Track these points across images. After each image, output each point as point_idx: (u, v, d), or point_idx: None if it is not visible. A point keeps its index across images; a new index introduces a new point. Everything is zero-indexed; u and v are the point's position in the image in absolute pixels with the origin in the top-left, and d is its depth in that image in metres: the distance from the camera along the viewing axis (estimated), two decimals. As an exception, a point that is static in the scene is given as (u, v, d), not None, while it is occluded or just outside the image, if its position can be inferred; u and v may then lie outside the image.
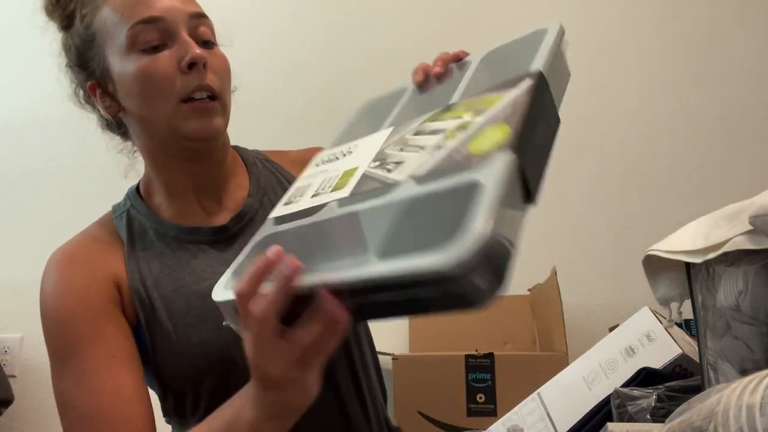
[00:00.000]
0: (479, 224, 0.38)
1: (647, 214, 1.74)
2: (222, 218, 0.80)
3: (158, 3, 0.70)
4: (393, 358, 1.30)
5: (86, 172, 1.77)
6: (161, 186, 0.80)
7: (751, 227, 0.55)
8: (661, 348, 0.79)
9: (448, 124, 0.54)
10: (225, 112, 0.74)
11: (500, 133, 0.46)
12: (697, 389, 0.68)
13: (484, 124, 0.49)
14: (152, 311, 0.72)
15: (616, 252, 1.72)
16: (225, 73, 0.74)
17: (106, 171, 1.76)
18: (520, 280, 1.66)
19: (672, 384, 0.72)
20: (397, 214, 0.47)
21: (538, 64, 0.55)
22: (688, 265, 0.68)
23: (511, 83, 0.54)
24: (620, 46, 1.83)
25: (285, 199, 0.63)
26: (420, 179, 0.48)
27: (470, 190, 0.42)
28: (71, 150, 1.79)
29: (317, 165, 0.66)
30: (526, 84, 0.52)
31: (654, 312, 0.84)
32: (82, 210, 1.74)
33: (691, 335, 0.92)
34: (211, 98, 0.71)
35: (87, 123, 1.91)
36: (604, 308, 1.69)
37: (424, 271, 0.38)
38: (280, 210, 0.61)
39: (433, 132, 0.54)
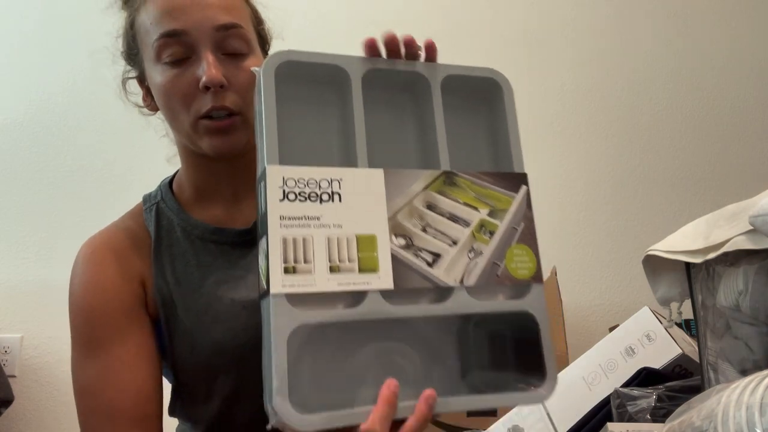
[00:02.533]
0: (554, 375, 0.56)
1: (647, 214, 1.74)
2: (246, 221, 0.79)
3: (184, 15, 0.68)
4: (393, 358, 1.30)
5: (85, 172, 1.77)
6: (191, 183, 0.81)
7: (751, 227, 0.55)
8: (661, 348, 0.79)
9: (466, 213, 0.58)
10: (247, 125, 0.72)
11: (529, 261, 0.58)
12: (697, 389, 0.68)
13: (509, 239, 0.58)
14: (173, 309, 0.73)
15: (616, 252, 1.72)
16: (249, 87, 0.67)
17: (105, 171, 1.77)
18: (520, 280, 1.66)
19: (672, 384, 0.72)
20: (461, 331, 0.58)
21: (519, 165, 0.62)
22: (688, 265, 0.68)
23: (509, 182, 0.60)
24: (619, 46, 1.83)
25: (276, 256, 0.50)
26: (472, 291, 0.55)
27: (530, 324, 0.56)
28: (70, 150, 1.79)
29: (289, 196, 0.52)
30: (523, 193, 0.61)
31: (654, 312, 0.84)
32: (82, 210, 1.74)
33: (691, 335, 0.92)
34: (230, 115, 0.70)
35: (86, 123, 1.92)
36: (604, 308, 1.69)
37: (522, 404, 0.60)
38: (284, 280, 0.50)
39: (453, 218, 0.57)
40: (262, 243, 0.52)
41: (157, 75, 0.71)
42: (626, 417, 0.70)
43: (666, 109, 1.80)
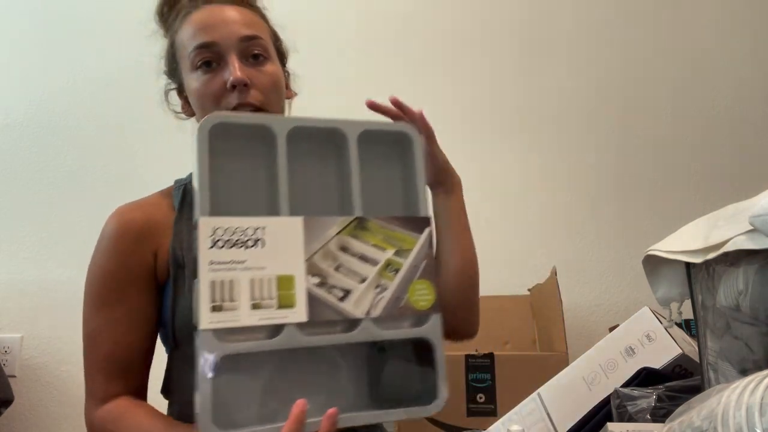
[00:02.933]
0: (444, 392, 0.67)
1: (647, 214, 1.74)
2: None
3: (214, 30, 0.82)
4: (393, 358, 1.30)
5: (85, 172, 1.77)
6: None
7: (751, 227, 0.55)
8: (661, 348, 0.79)
9: (374, 253, 0.66)
10: None
11: (429, 293, 0.67)
12: (697, 389, 0.68)
13: (411, 275, 0.67)
14: (181, 270, 0.82)
15: (616, 252, 1.72)
16: (270, 87, 0.84)
17: (104, 171, 1.77)
18: (520, 280, 1.66)
19: (672, 384, 0.72)
20: (368, 356, 0.67)
21: (424, 210, 0.70)
22: (688, 265, 0.68)
23: (414, 225, 0.69)
24: (619, 46, 1.83)
25: (205, 296, 0.58)
26: (378, 321, 0.64)
27: (427, 349, 0.66)
28: (70, 150, 1.79)
29: (218, 244, 0.60)
30: (426, 234, 0.69)
31: (654, 312, 0.84)
32: (82, 210, 1.74)
33: (691, 335, 0.92)
34: (254, 110, 0.82)
35: (86, 123, 1.92)
36: (604, 308, 1.69)
37: (414, 417, 0.66)
38: (211, 318, 0.58)
39: (363, 258, 0.66)
40: (195, 284, 0.59)
41: (193, 81, 0.84)
42: (626, 417, 0.70)
43: (666, 109, 1.80)
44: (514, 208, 1.74)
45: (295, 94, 0.96)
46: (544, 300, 1.44)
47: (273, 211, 0.64)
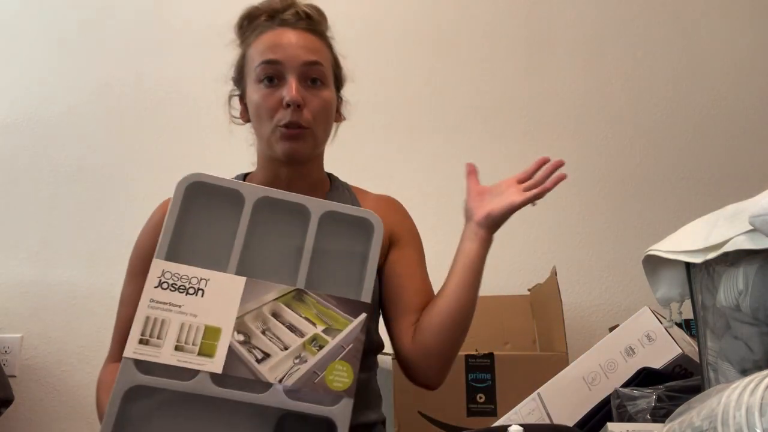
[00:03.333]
0: None
1: (647, 214, 1.74)
2: None
3: (281, 50, 0.91)
4: (393, 358, 1.30)
5: (85, 172, 1.77)
6: (258, 179, 1.00)
7: (751, 227, 0.55)
8: (661, 348, 0.79)
9: (303, 325, 0.69)
10: (315, 139, 0.94)
11: (347, 377, 0.68)
12: (697, 389, 0.68)
13: (334, 355, 0.68)
14: None
15: (616, 252, 1.72)
16: (321, 110, 0.92)
17: (105, 172, 1.77)
18: (520, 280, 1.66)
19: (672, 384, 0.72)
20: (277, 424, 0.67)
21: (366, 296, 0.72)
22: (688, 265, 0.68)
23: (351, 308, 0.71)
24: (619, 47, 1.83)
25: (137, 328, 0.64)
26: (289, 392, 0.66)
27: (330, 428, 0.66)
28: (71, 150, 1.79)
29: (163, 285, 0.66)
30: (360, 319, 0.70)
31: (654, 312, 0.84)
32: (81, 210, 1.75)
33: (691, 335, 0.92)
34: (302, 128, 0.90)
35: (86, 123, 1.92)
36: (604, 308, 1.69)
37: None
38: (135, 348, 0.63)
39: (291, 328, 0.69)
40: (135, 314, 0.65)
41: (255, 93, 0.93)
42: (626, 417, 0.70)
43: (666, 109, 1.80)
44: (514, 208, 1.74)
45: (344, 118, 1.04)
46: (544, 300, 1.44)
47: (223, 266, 0.69)
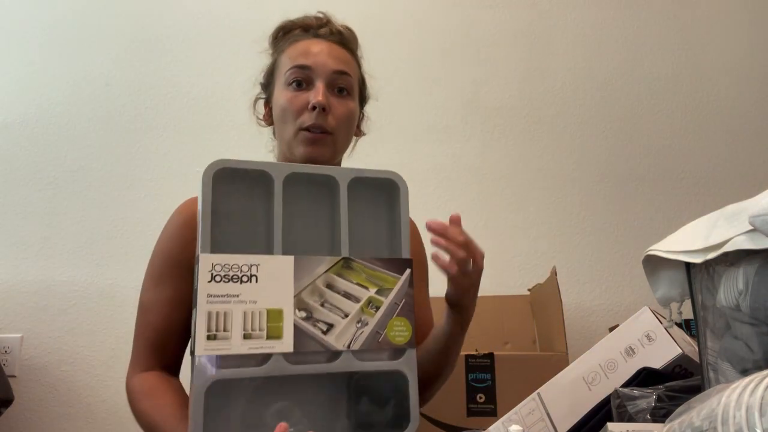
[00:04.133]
0: (416, 417, 0.73)
1: (647, 214, 1.74)
2: None
3: (313, 57, 0.94)
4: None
5: (86, 172, 1.77)
6: None
7: (751, 227, 0.55)
8: (661, 348, 0.79)
9: (357, 291, 0.72)
10: (335, 145, 0.95)
11: (406, 330, 0.73)
12: (697, 389, 0.68)
13: (391, 312, 0.73)
14: None
15: (616, 252, 1.72)
16: (344, 118, 0.95)
17: (105, 171, 1.77)
18: (520, 280, 1.66)
19: (672, 384, 0.72)
20: (348, 386, 0.72)
21: (406, 253, 0.76)
22: (688, 265, 0.68)
23: (396, 266, 0.75)
24: (619, 46, 1.83)
25: (202, 325, 0.64)
26: (358, 354, 0.70)
27: (400, 380, 0.72)
28: (71, 150, 1.79)
29: (216, 278, 0.66)
30: (406, 275, 0.75)
31: (654, 312, 0.83)
32: (82, 210, 1.75)
33: (691, 335, 0.92)
34: (324, 133, 0.92)
35: (87, 124, 1.92)
36: (604, 308, 1.69)
37: None
38: (206, 345, 0.64)
39: (347, 295, 0.72)
40: (194, 313, 0.65)
41: (281, 95, 0.95)
42: (626, 417, 0.70)
43: (666, 109, 1.80)
44: (514, 208, 1.74)
45: (364, 133, 1.07)
46: (544, 300, 1.44)
47: (268, 249, 0.70)
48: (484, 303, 1.00)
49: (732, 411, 0.41)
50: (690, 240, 0.64)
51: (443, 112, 1.81)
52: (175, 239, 0.93)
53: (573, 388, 0.82)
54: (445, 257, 0.79)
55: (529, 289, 1.58)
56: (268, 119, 1.02)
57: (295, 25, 1.01)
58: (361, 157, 1.76)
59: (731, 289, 0.58)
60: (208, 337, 0.64)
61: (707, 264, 0.63)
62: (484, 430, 0.86)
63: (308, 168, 0.75)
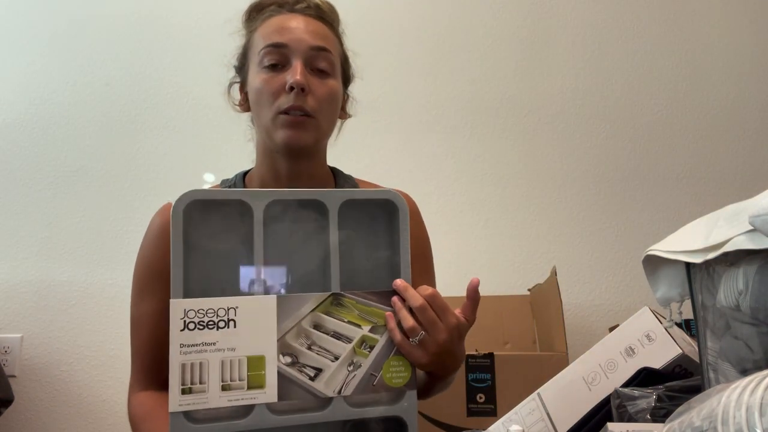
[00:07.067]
0: None
1: (647, 214, 1.74)
2: None
3: (289, 34, 0.86)
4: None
5: (85, 172, 1.77)
6: (259, 176, 0.94)
7: (751, 227, 0.54)
8: (661, 348, 0.79)
9: (348, 330, 0.65)
10: (318, 129, 0.87)
11: (405, 370, 0.66)
12: (697, 389, 0.68)
13: (387, 352, 0.66)
14: None
15: (616, 252, 1.72)
16: (326, 99, 0.86)
17: (105, 171, 1.77)
18: (520, 280, 1.66)
19: (672, 384, 0.72)
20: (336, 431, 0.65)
21: (406, 281, 0.68)
22: (688, 265, 0.68)
23: (389, 298, 0.67)
24: (619, 46, 1.83)
25: (175, 379, 0.59)
26: (350, 401, 0.64)
27: (402, 428, 0.65)
28: (70, 150, 1.79)
29: (189, 326, 0.60)
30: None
31: (654, 312, 0.83)
32: (82, 210, 1.74)
33: (691, 335, 0.92)
34: (306, 116, 0.84)
35: (85, 124, 1.92)
36: (604, 308, 1.69)
37: None
38: (180, 399, 0.59)
39: (336, 336, 0.65)
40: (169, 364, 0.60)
41: (256, 77, 0.87)
42: (626, 417, 0.70)
43: (666, 109, 1.80)
44: (514, 208, 1.74)
45: (350, 116, 0.98)
46: (544, 300, 1.44)
47: (248, 287, 0.64)
48: (484, 303, 0.99)
49: (732, 411, 0.41)
50: (690, 240, 0.64)
51: (443, 111, 1.81)
52: (154, 248, 0.87)
53: (573, 388, 0.82)
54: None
55: (529, 289, 1.58)
56: (245, 105, 0.94)
57: (270, 1, 0.92)
58: (360, 158, 1.76)
59: (731, 289, 0.58)
60: (183, 391, 0.59)
61: (707, 264, 0.63)
62: (484, 430, 0.86)
63: (292, 194, 0.66)
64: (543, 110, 1.80)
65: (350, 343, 0.65)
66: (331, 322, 0.65)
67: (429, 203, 1.74)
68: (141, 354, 0.86)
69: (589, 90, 1.80)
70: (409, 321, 0.66)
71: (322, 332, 0.64)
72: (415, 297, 0.67)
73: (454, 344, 0.70)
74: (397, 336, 0.67)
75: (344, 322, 0.65)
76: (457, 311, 0.71)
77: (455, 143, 1.78)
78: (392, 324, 0.67)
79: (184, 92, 1.81)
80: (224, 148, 1.76)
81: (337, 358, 0.64)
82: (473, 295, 0.72)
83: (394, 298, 0.67)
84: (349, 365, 0.64)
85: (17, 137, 1.79)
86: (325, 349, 0.64)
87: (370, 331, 0.66)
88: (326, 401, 0.63)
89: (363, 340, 0.65)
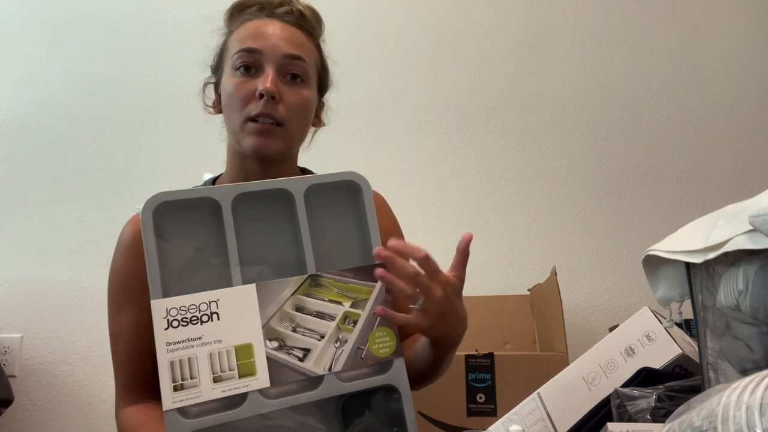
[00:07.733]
0: (413, 423, 0.67)
1: (647, 214, 1.74)
2: None
3: (264, 40, 0.86)
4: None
5: (85, 172, 1.77)
6: (229, 179, 0.93)
7: (751, 227, 0.55)
8: (661, 348, 0.79)
9: (330, 308, 0.67)
10: (287, 138, 0.86)
11: (390, 340, 0.68)
12: (697, 389, 0.68)
13: (371, 324, 0.68)
14: None
15: (616, 252, 1.72)
16: (297, 107, 0.86)
17: (104, 171, 1.77)
18: (520, 280, 1.66)
19: (672, 384, 0.72)
20: (337, 410, 0.67)
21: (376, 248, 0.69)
22: (688, 265, 0.68)
23: (368, 274, 0.68)
24: (619, 46, 1.83)
25: (165, 377, 0.59)
26: (341, 376, 0.65)
27: (392, 394, 0.67)
28: (70, 150, 1.79)
29: (173, 324, 0.61)
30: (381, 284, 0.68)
31: (654, 312, 0.84)
32: (82, 210, 1.75)
33: (691, 335, 0.92)
34: (275, 124, 0.84)
35: (85, 124, 1.92)
36: (604, 308, 1.69)
37: None
38: (173, 397, 0.59)
39: (319, 315, 0.66)
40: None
41: (228, 80, 0.87)
42: (626, 417, 0.70)
43: (666, 109, 1.80)
44: (514, 208, 1.74)
45: (324, 124, 0.97)
46: (544, 300, 1.44)
47: (226, 280, 0.64)
48: (484, 303, 0.99)
49: (732, 411, 0.41)
50: (690, 240, 0.64)
51: (443, 111, 1.81)
52: (125, 260, 0.86)
53: (573, 388, 0.82)
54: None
55: (529, 289, 1.58)
56: (218, 106, 0.93)
57: (252, 2, 0.91)
58: (359, 158, 1.76)
59: (731, 289, 0.58)
60: (175, 388, 0.59)
61: (707, 264, 0.63)
62: (484, 430, 0.86)
63: (257, 185, 0.67)
64: (543, 110, 1.80)
65: (334, 320, 0.67)
66: (312, 303, 0.67)
67: (429, 203, 1.74)
68: (124, 368, 0.85)
69: (589, 90, 1.80)
70: (407, 290, 0.68)
71: (305, 313, 0.66)
72: (407, 265, 0.68)
73: (452, 301, 0.70)
74: (393, 312, 0.68)
75: (325, 301, 0.67)
76: (447, 272, 0.71)
77: (455, 143, 1.78)
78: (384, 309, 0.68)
79: (184, 92, 1.81)
80: (224, 148, 1.75)
81: (323, 337, 0.66)
82: (463, 248, 0.72)
83: (380, 271, 0.68)
84: (336, 342, 0.66)
85: (17, 137, 1.79)
86: (310, 329, 0.66)
87: (352, 306, 0.68)
88: (318, 380, 0.64)
89: (346, 316, 0.67)
